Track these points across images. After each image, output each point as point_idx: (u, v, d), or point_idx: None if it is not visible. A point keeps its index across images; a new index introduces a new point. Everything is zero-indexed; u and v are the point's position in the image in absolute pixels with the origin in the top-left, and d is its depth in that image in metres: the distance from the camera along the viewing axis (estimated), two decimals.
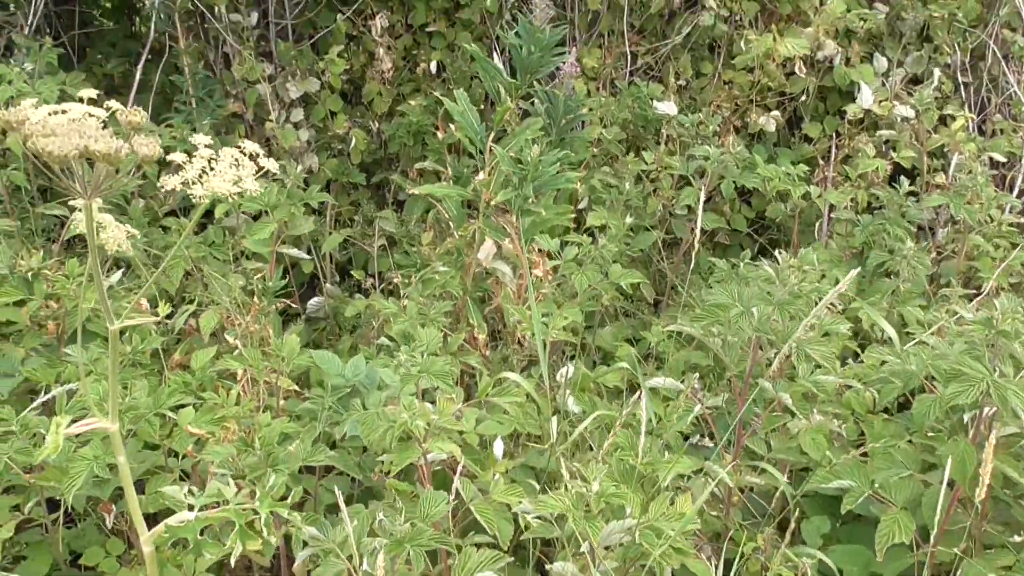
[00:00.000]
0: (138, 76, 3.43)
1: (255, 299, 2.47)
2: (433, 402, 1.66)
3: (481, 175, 2.51)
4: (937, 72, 3.36)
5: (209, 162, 1.17)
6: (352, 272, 3.55)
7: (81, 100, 1.25)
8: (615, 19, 3.53)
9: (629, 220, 2.56)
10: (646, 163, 3.06)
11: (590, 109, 3.06)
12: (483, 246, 2.58)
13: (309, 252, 3.35)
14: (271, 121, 3.45)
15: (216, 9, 3.30)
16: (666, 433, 1.88)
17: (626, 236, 2.89)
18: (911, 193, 2.82)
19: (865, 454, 1.94)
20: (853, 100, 3.65)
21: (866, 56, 3.58)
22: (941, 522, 1.74)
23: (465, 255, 2.77)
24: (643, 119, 3.24)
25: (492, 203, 2.46)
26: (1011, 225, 2.85)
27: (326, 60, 3.31)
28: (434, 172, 3.50)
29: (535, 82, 2.66)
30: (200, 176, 1.14)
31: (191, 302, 2.56)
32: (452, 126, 3.41)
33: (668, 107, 3.12)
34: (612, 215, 2.92)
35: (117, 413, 1.27)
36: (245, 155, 1.21)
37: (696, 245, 2.43)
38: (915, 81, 3.61)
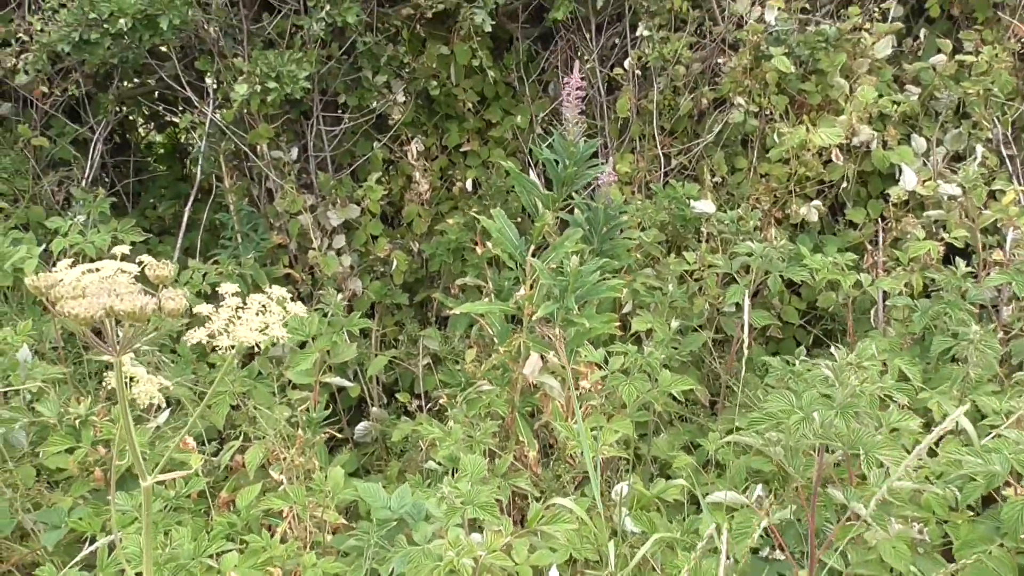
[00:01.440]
0: (186, 216, 3.55)
1: (300, 431, 2.44)
2: (481, 531, 1.58)
3: (522, 290, 2.49)
4: (980, 148, 3.29)
5: (236, 310, 1.16)
6: (397, 395, 3.53)
7: (121, 250, 1.26)
8: (645, 123, 3.56)
9: (675, 323, 2.49)
10: (688, 263, 3.02)
11: (627, 214, 3.05)
12: (528, 360, 2.54)
13: (356, 376, 3.34)
14: (314, 250, 3.52)
15: (259, 148, 3.43)
16: (733, 550, 1.76)
17: (673, 340, 2.83)
18: (969, 273, 2.71)
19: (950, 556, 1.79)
20: (895, 182, 3.60)
21: (903, 138, 3.54)
22: None
23: (511, 370, 2.73)
24: (681, 219, 3.21)
25: (535, 317, 2.42)
26: None
27: (365, 187, 3.39)
28: (475, 287, 3.50)
29: (572, 193, 2.67)
30: (227, 326, 1.12)
31: (237, 437, 2.55)
32: (489, 242, 3.45)
33: (706, 205, 3.10)
34: (657, 319, 2.86)
35: (151, 571, 1.23)
36: (273, 300, 1.20)
37: (747, 341, 2.35)
38: (957, 158, 3.55)
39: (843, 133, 3.16)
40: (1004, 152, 3.58)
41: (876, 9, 3.67)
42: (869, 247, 3.48)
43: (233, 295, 1.17)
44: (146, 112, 4.32)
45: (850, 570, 1.76)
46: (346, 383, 2.64)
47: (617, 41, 3.63)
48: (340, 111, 3.60)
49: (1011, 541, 1.73)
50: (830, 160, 3.48)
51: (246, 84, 2.99)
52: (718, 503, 1.89)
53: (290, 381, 2.72)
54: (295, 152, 3.54)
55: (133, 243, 3.21)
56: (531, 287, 2.64)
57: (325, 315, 2.63)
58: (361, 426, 3.18)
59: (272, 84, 2.98)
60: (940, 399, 2.19)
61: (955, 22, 3.83)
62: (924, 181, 3.33)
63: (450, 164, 3.83)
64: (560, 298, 2.46)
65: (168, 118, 4.35)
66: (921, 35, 3.65)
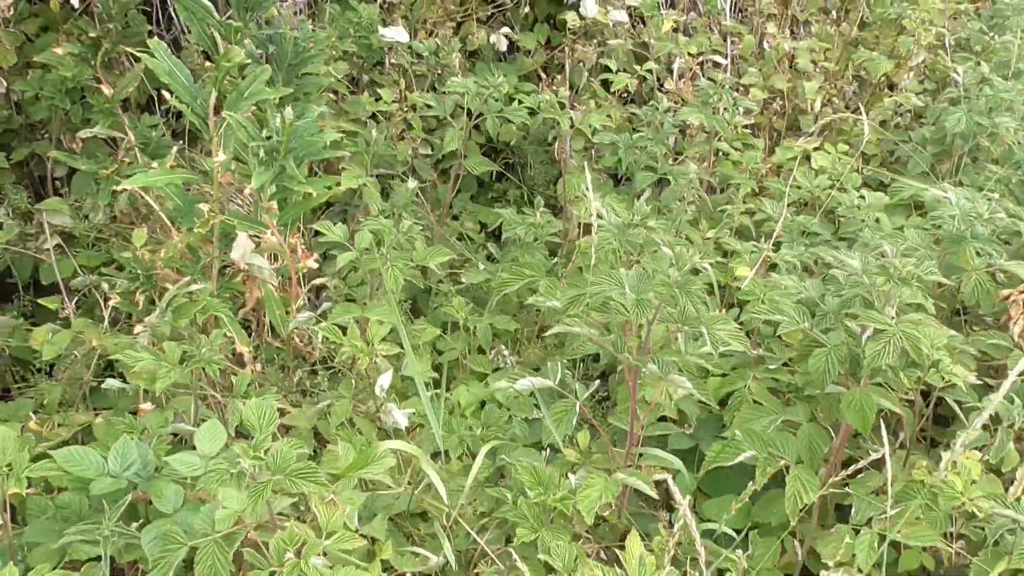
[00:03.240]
0: None
1: None
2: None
3: (221, 155, 1.92)
4: None
5: None
6: (15, 284, 2.68)
7: None
8: None
9: (412, 183, 2.15)
10: (386, 102, 2.63)
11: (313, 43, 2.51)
12: (236, 242, 2.02)
13: None
14: None
15: None
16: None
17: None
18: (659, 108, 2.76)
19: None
20: (559, 4, 3.51)
21: None
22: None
23: (202, 253, 2.17)
24: (366, 48, 2.76)
25: (249, 190, 1.90)
26: (744, 127, 2.94)
27: None
28: (107, 140, 2.70)
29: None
30: None
31: None
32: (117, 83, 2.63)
33: (398, 33, 2.69)
34: (360, 171, 2.48)
35: None
36: None
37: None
38: None
39: None
40: None
41: None
42: (543, 76, 3.41)
43: None
44: None
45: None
46: None
47: None
48: None
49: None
50: None
51: None
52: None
53: None
54: None
55: None
56: (215, 146, 2.07)
57: None
58: None
59: None
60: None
61: None
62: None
63: None
64: (269, 162, 1.95)
65: None
66: None
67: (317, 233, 2.54)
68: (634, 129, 2.99)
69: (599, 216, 1.99)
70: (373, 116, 2.73)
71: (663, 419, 1.91)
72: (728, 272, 2.29)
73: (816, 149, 3.05)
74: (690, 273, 1.51)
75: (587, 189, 2.62)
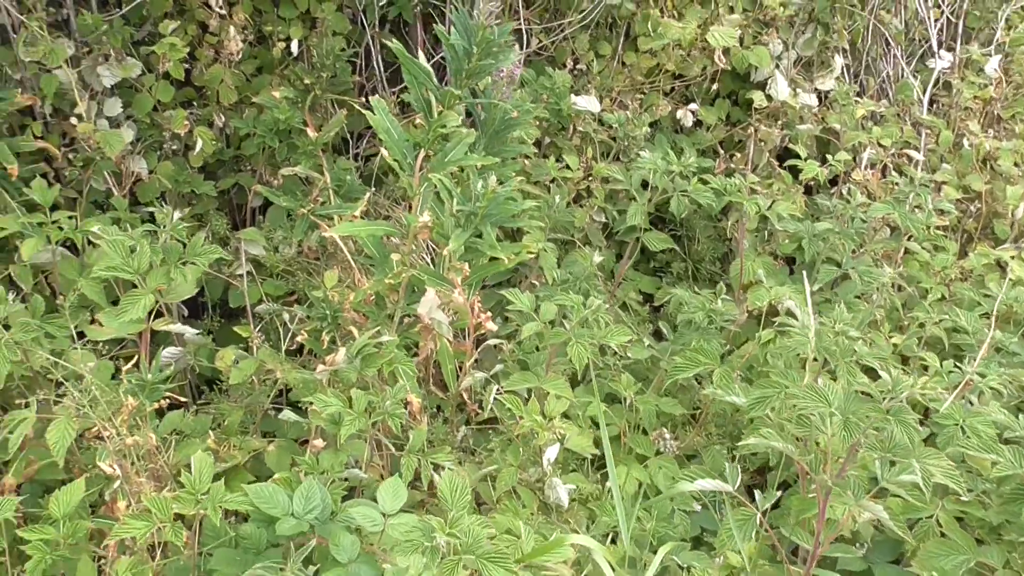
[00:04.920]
0: None
1: (126, 395, 1.80)
2: None
3: (427, 215, 1.99)
4: (839, 59, 3.24)
5: None
6: (205, 304, 2.86)
7: None
8: None
9: (598, 257, 2.16)
10: (571, 169, 2.67)
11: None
12: (425, 298, 2.08)
13: None
14: (77, 116, 2.62)
15: None
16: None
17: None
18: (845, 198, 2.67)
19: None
20: (744, 81, 3.47)
21: (756, 35, 3.39)
22: None
23: (389, 302, 2.25)
24: (555, 114, 2.82)
25: (448, 250, 1.96)
26: (936, 228, 2.80)
27: (161, 43, 2.53)
28: (303, 179, 2.87)
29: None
30: None
31: (24, 404, 1.83)
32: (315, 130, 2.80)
33: (589, 102, 2.73)
34: (541, 236, 2.51)
35: None
36: None
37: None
38: (807, 64, 3.49)
39: (738, 34, 2.91)
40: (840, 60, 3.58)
41: None
42: (721, 151, 3.37)
43: None
44: None
45: None
46: (189, 330, 2.00)
47: None
48: None
49: None
50: (689, 54, 3.25)
51: None
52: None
53: (92, 318, 2.01)
54: None
55: None
56: (417, 203, 2.15)
57: (153, 235, 1.92)
58: (170, 351, 2.48)
59: None
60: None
61: None
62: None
63: (256, 12, 3.02)
64: (467, 224, 2.01)
65: None
66: None
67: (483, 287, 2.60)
68: (815, 218, 2.90)
69: (790, 314, 1.93)
70: (553, 180, 2.78)
71: (837, 538, 1.81)
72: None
73: (1014, 258, 2.86)
74: (903, 399, 1.43)
75: (764, 276, 2.56)
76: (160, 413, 1.97)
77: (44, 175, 2.58)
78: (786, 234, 2.62)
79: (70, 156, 2.64)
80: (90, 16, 2.58)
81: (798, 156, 3.03)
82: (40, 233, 2.21)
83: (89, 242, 2.38)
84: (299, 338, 2.22)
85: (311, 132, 2.74)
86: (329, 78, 2.85)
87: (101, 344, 1.98)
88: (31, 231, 2.21)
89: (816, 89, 3.37)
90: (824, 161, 3.08)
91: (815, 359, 1.75)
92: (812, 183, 3.09)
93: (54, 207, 2.28)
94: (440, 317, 2.14)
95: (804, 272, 2.32)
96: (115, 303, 2.28)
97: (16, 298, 1.96)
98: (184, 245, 1.92)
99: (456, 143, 2.14)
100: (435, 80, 2.09)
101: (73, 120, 2.62)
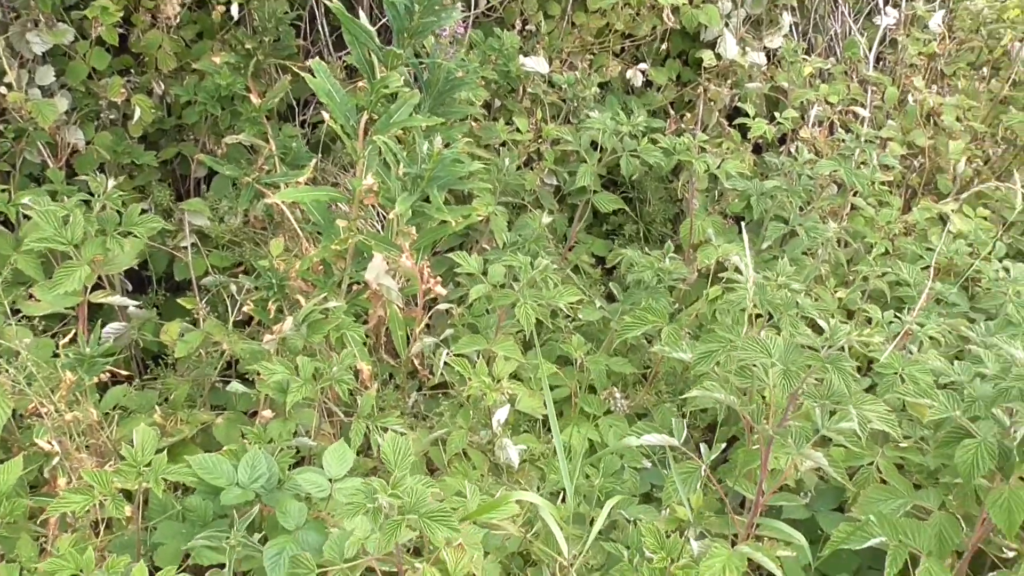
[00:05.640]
0: None
1: (64, 371, 1.76)
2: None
3: (371, 179, 1.96)
4: (788, 16, 3.25)
5: None
6: (150, 277, 2.80)
7: None
8: None
9: (547, 217, 2.15)
10: (521, 131, 2.65)
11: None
12: (372, 263, 2.06)
13: None
14: (7, 86, 2.53)
15: None
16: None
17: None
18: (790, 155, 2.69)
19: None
20: (694, 41, 3.47)
21: None
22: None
23: (336, 269, 2.23)
24: (504, 76, 2.79)
25: (396, 213, 1.93)
26: (881, 184, 2.83)
27: (93, 7, 2.44)
28: (248, 147, 2.81)
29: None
30: None
31: None
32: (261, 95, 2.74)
33: (538, 63, 2.70)
34: (489, 199, 2.49)
35: None
36: None
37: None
38: (756, 23, 3.49)
39: None
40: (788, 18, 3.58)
41: None
42: (672, 112, 3.37)
43: None
44: None
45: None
46: (131, 303, 1.96)
47: None
48: None
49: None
50: (638, 13, 3.23)
51: None
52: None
53: (29, 294, 1.95)
54: None
55: None
56: (361, 167, 2.12)
57: (88, 205, 1.87)
58: (112, 327, 2.43)
59: None
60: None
61: None
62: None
63: None
64: (414, 188, 1.99)
65: None
66: None
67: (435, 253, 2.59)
68: (764, 175, 2.92)
69: (736, 270, 1.94)
70: (503, 143, 2.76)
71: (782, 488, 1.84)
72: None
73: (955, 211, 2.92)
74: (840, 348, 1.46)
75: (713, 235, 2.57)
76: (103, 388, 1.93)
77: None
78: (735, 192, 2.63)
79: (1, 128, 2.56)
80: None
81: (747, 115, 3.04)
82: None
83: (25, 216, 2.31)
84: (246, 308, 2.19)
85: (255, 98, 2.67)
86: (272, 42, 2.78)
87: (40, 320, 1.93)
88: None
89: (765, 47, 3.37)
90: (773, 119, 3.10)
91: (759, 314, 1.77)
92: (761, 141, 3.11)
93: None
94: (389, 283, 2.13)
95: (747, 228, 2.34)
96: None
97: None
98: (121, 215, 1.87)
99: (400, 105, 2.11)
100: (377, 41, 2.05)
101: (2, 90, 2.53)
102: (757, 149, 3.32)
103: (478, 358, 1.93)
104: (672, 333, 2.06)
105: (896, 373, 1.87)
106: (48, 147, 2.64)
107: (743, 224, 2.90)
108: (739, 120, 2.97)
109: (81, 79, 2.65)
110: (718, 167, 2.56)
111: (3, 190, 2.23)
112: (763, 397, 1.72)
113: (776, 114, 3.08)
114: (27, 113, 2.48)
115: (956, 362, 1.74)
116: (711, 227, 2.63)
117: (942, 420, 1.65)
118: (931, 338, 2.03)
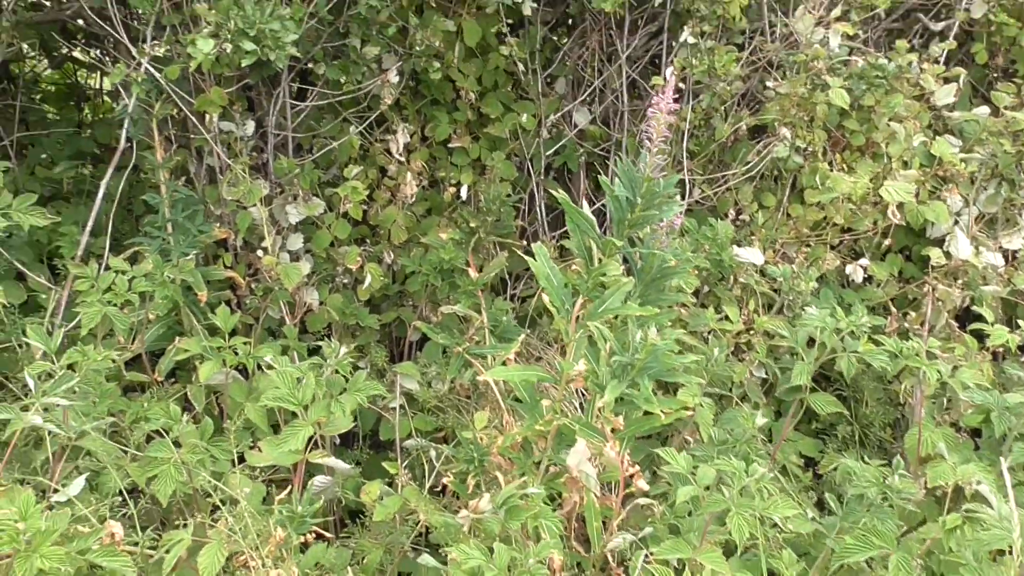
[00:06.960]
0: (102, 189, 2.76)
1: (275, 527, 1.82)
2: None
3: (582, 364, 1.96)
4: None
5: None
6: (356, 433, 2.93)
7: None
8: (672, 144, 3.09)
9: (761, 419, 2.04)
10: (732, 322, 2.58)
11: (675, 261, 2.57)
12: (575, 448, 2.02)
13: None
14: (263, 249, 2.83)
15: (207, 117, 2.70)
16: None
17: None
18: None
19: None
20: (919, 237, 3.31)
21: (933, 190, 3.24)
22: None
23: (536, 447, 2.21)
24: (716, 264, 2.77)
25: (602, 402, 1.91)
26: None
27: (345, 185, 2.73)
28: (461, 317, 2.94)
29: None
30: None
31: (183, 524, 1.90)
32: (477, 270, 2.88)
33: (752, 254, 2.67)
34: (695, 391, 2.41)
35: None
36: None
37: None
38: (990, 221, 3.29)
39: (914, 189, 2.80)
40: None
41: (919, 43, 3.35)
42: (893, 309, 3.18)
43: None
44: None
45: None
46: (342, 465, 2.04)
47: (651, 44, 3.12)
48: (308, 82, 2.92)
49: None
50: (860, 207, 3.14)
51: (212, 40, 2.27)
52: None
53: (253, 443, 2.08)
54: (251, 126, 2.83)
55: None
56: (572, 350, 2.13)
57: (319, 368, 2.01)
58: (320, 480, 2.53)
59: (248, 44, 2.27)
60: None
61: (989, 71, 3.58)
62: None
63: (431, 159, 3.22)
64: (623, 376, 1.96)
65: (67, 51, 3.49)
66: (960, 81, 3.32)
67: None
68: (1003, 387, 2.64)
69: (980, 498, 1.72)
70: (711, 331, 2.70)
71: None
72: None
73: None
74: None
75: (945, 450, 2.32)
76: (305, 544, 1.98)
77: (228, 302, 2.79)
78: (970, 404, 2.38)
79: (252, 285, 2.85)
80: (286, 160, 2.83)
81: (980, 318, 2.80)
82: (218, 357, 2.36)
83: (258, 367, 2.51)
84: (444, 479, 2.21)
85: (472, 272, 2.82)
86: (494, 221, 2.96)
87: (260, 471, 2.04)
88: (210, 354, 2.36)
89: (1002, 247, 3.15)
90: (1011, 324, 2.84)
91: (1020, 559, 1.53)
92: (1000, 349, 2.84)
93: (232, 332, 2.43)
94: (589, 470, 2.07)
95: (995, 450, 2.09)
96: (275, 427, 2.39)
97: (189, 417, 2.08)
98: (346, 379, 1.98)
99: (614, 291, 2.13)
100: (598, 230, 2.11)
101: (259, 253, 2.83)
102: (994, 357, 3.03)
103: (681, 567, 1.80)
104: (902, 563, 1.84)
105: None
106: (287, 305, 2.89)
107: (981, 441, 2.61)
108: (975, 325, 2.74)
109: (324, 247, 2.93)
110: (951, 375, 2.34)
111: (246, 342, 2.45)
112: None
113: (1017, 320, 2.82)
114: (276, 275, 2.76)
115: None
116: (942, 440, 2.38)
117: None
118: None
